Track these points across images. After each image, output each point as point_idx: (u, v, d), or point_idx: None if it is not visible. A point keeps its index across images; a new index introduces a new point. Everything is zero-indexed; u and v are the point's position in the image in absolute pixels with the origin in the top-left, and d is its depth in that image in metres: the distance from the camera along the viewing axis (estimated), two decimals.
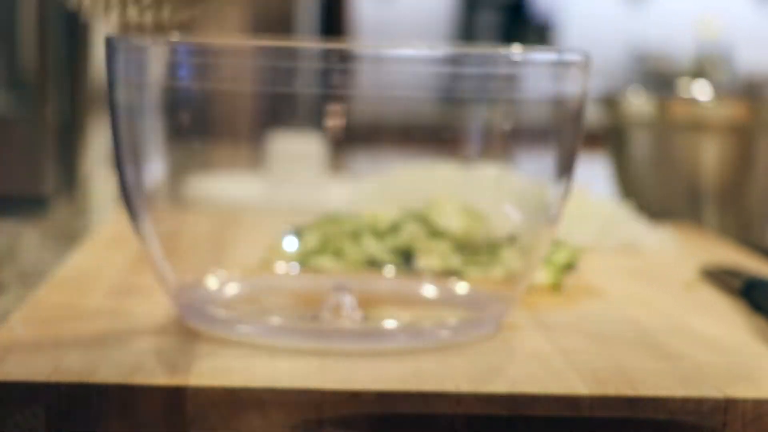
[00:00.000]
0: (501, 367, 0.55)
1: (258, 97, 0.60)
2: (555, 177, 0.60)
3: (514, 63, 0.57)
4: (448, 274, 0.71)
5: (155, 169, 0.62)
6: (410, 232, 0.73)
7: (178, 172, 0.63)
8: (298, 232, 0.75)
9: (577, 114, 0.60)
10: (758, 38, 4.08)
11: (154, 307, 0.64)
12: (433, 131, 0.64)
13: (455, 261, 0.72)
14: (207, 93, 0.60)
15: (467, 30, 3.97)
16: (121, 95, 0.59)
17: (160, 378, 0.51)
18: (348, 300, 0.61)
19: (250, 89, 0.58)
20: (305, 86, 0.56)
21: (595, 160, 1.32)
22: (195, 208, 0.71)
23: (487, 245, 0.72)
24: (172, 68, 0.58)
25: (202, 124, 0.62)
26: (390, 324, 0.59)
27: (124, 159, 0.60)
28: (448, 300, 0.69)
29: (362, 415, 0.51)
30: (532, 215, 0.64)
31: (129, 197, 0.61)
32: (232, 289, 0.67)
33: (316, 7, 2.88)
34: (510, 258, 0.67)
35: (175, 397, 0.50)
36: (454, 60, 0.56)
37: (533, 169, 0.61)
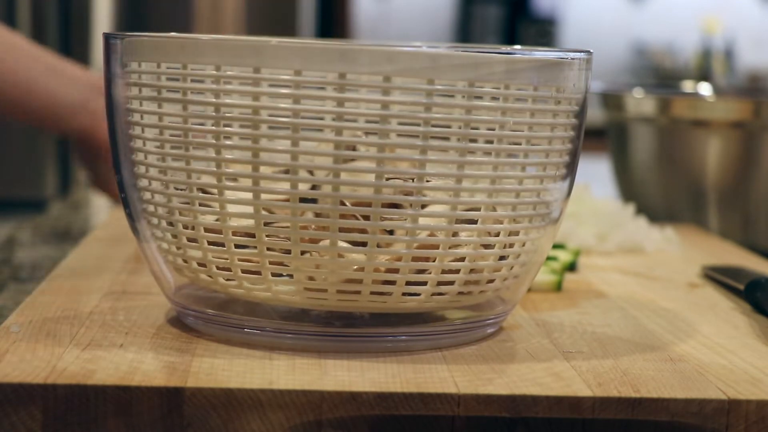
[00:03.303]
0: (501, 368, 0.55)
1: None
2: (556, 176, 0.60)
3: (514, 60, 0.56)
4: None
5: None
6: None
7: None
8: None
9: (579, 112, 0.59)
10: (761, 36, 4.08)
11: (152, 307, 0.63)
12: None
13: None
14: None
15: (468, 26, 3.97)
16: (119, 94, 0.59)
17: (157, 379, 0.51)
18: None
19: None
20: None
21: (596, 158, 1.32)
22: None
23: None
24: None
25: None
26: (390, 324, 0.58)
27: (122, 158, 0.60)
28: None
29: (362, 416, 0.50)
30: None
31: (127, 197, 0.60)
32: None
33: (315, 4, 2.88)
34: None
35: (173, 399, 0.50)
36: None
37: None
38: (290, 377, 0.52)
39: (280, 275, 0.56)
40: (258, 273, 0.56)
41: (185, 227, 0.57)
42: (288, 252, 0.55)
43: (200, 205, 0.56)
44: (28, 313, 0.61)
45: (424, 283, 0.56)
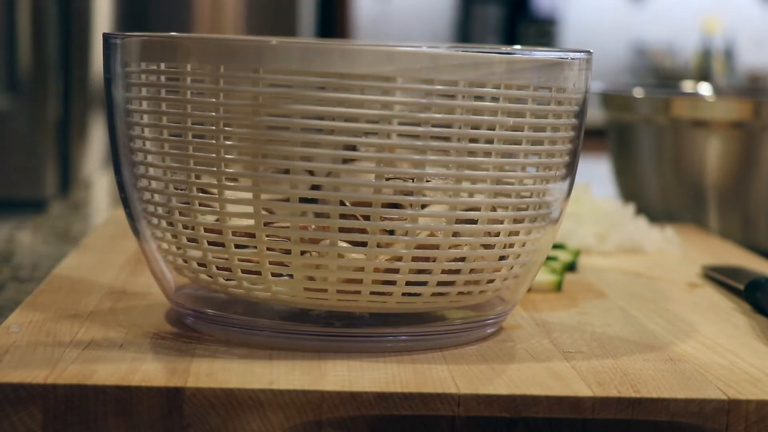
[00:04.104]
0: (501, 368, 0.55)
1: None
2: (556, 176, 0.60)
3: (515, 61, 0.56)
4: None
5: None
6: None
7: None
8: None
9: (579, 112, 0.59)
10: (761, 36, 4.08)
11: (152, 307, 0.63)
12: None
13: None
14: None
15: (468, 26, 3.97)
16: (119, 94, 0.59)
17: (158, 379, 0.51)
18: None
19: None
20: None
21: (596, 158, 1.32)
22: None
23: None
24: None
25: None
26: (390, 324, 0.59)
27: (122, 158, 0.60)
28: None
29: (362, 416, 0.50)
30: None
31: (127, 197, 0.60)
32: None
33: (315, 4, 2.88)
34: None
35: (173, 399, 0.50)
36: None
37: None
38: (290, 377, 0.52)
39: (280, 275, 0.56)
40: (258, 273, 0.56)
41: (185, 227, 0.57)
42: (288, 252, 0.55)
43: (200, 205, 0.56)
44: (28, 313, 0.61)
45: (425, 283, 0.56)
